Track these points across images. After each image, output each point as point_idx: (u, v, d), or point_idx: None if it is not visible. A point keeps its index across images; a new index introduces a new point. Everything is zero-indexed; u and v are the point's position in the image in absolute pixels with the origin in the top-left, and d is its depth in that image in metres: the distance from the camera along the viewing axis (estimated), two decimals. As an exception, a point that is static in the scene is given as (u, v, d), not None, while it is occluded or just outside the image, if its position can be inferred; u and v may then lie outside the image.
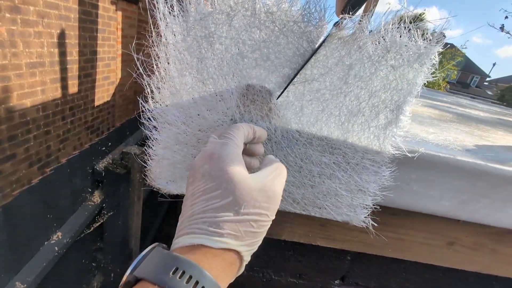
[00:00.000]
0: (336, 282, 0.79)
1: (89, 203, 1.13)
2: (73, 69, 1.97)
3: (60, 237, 0.96)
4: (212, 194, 0.26)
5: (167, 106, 0.37)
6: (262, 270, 0.75)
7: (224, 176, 0.27)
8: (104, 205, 1.15)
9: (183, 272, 0.22)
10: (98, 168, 1.15)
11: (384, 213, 0.48)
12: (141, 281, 0.23)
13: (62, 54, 1.86)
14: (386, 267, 0.77)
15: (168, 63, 0.35)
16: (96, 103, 2.28)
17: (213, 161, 0.28)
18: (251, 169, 0.36)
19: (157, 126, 0.38)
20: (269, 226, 0.28)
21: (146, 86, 0.35)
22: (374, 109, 0.41)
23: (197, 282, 0.22)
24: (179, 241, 0.25)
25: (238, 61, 0.36)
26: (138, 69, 0.35)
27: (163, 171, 0.40)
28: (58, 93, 1.87)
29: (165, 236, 1.21)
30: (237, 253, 0.26)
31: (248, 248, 0.27)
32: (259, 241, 0.28)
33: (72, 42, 1.94)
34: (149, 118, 0.37)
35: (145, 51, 0.35)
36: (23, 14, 1.55)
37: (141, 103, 0.35)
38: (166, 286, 0.21)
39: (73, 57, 1.96)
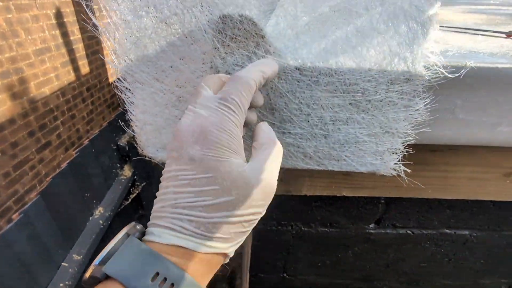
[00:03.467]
0: (370, 226, 0.75)
1: (122, 177, 1.18)
2: (79, 49, 1.94)
3: (102, 211, 1.03)
4: (203, 189, 0.21)
5: (132, 61, 0.30)
6: (290, 223, 0.74)
7: (220, 169, 0.21)
8: (135, 177, 1.20)
9: (165, 279, 0.19)
10: (121, 144, 1.17)
11: (421, 152, 0.39)
12: (110, 280, 0.19)
13: (64, 34, 1.82)
14: (427, 205, 0.71)
15: (118, 2, 0.28)
16: (110, 79, 2.28)
17: (208, 142, 0.22)
18: (248, 125, 0.29)
19: (128, 87, 0.32)
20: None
21: (102, 40, 0.29)
22: (390, 21, 0.30)
23: None
24: (158, 234, 0.21)
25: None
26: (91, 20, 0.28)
27: (149, 138, 0.35)
28: (71, 76, 1.88)
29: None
30: (224, 254, 0.23)
31: (235, 248, 0.24)
32: (245, 237, 0.24)
33: (71, 20, 1.87)
34: (118, 79, 0.31)
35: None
36: (13, -2, 1.49)
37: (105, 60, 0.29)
38: None
39: (75, 36, 1.91)
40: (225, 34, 0.29)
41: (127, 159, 1.19)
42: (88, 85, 2.02)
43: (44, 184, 0.76)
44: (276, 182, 0.24)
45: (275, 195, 0.25)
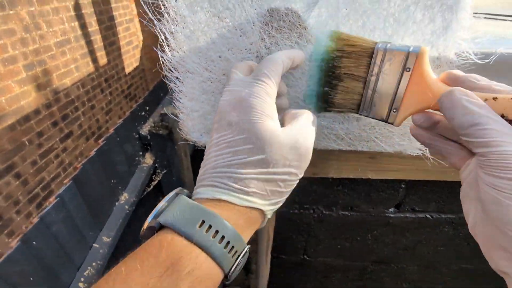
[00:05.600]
0: (390, 210, 0.78)
1: (143, 165, 1.23)
2: (97, 40, 1.98)
3: (127, 197, 1.08)
4: (239, 148, 0.24)
5: (184, 52, 0.33)
6: (312, 206, 0.77)
7: (254, 130, 0.24)
8: (156, 165, 1.25)
9: (210, 226, 0.21)
10: (143, 133, 1.22)
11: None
12: (165, 229, 0.22)
13: (83, 26, 1.85)
14: (447, 190, 0.72)
15: None
16: (127, 70, 2.32)
17: (242, 109, 0.24)
18: (281, 111, 0.32)
19: (179, 77, 0.35)
20: (296, 184, 0.26)
21: (159, 33, 0.31)
22: (427, 10, 0.32)
23: (223, 237, 0.22)
24: (202, 192, 0.24)
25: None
26: (148, 15, 0.31)
27: (195, 123, 0.38)
28: (90, 68, 1.93)
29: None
30: (261, 211, 0.25)
31: (272, 207, 0.26)
32: (283, 200, 0.27)
33: (88, 11, 1.90)
34: (169, 69, 0.34)
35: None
36: (34, -9, 1.53)
37: (158, 53, 0.32)
38: (192, 239, 0.21)
39: (93, 27, 1.95)
40: (271, 26, 0.31)
41: (148, 147, 1.24)
42: (106, 76, 2.07)
43: (75, 170, 0.81)
44: (311, 146, 0.26)
45: (301, 178, 0.27)
